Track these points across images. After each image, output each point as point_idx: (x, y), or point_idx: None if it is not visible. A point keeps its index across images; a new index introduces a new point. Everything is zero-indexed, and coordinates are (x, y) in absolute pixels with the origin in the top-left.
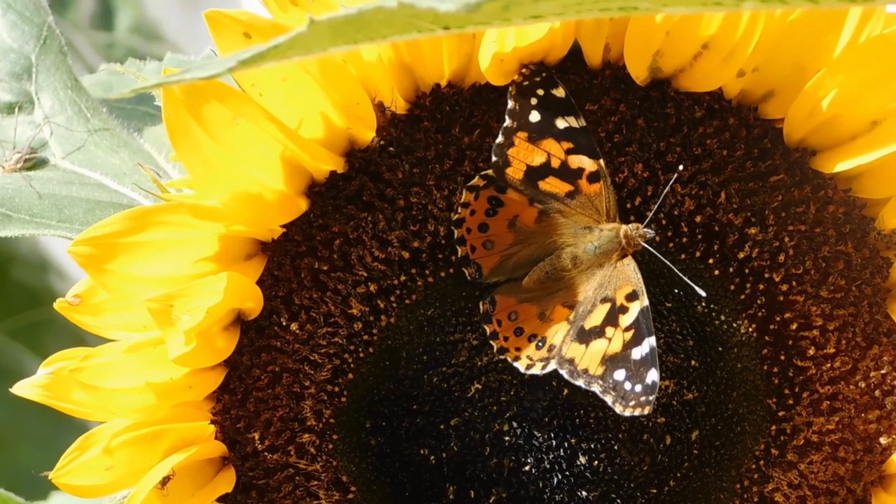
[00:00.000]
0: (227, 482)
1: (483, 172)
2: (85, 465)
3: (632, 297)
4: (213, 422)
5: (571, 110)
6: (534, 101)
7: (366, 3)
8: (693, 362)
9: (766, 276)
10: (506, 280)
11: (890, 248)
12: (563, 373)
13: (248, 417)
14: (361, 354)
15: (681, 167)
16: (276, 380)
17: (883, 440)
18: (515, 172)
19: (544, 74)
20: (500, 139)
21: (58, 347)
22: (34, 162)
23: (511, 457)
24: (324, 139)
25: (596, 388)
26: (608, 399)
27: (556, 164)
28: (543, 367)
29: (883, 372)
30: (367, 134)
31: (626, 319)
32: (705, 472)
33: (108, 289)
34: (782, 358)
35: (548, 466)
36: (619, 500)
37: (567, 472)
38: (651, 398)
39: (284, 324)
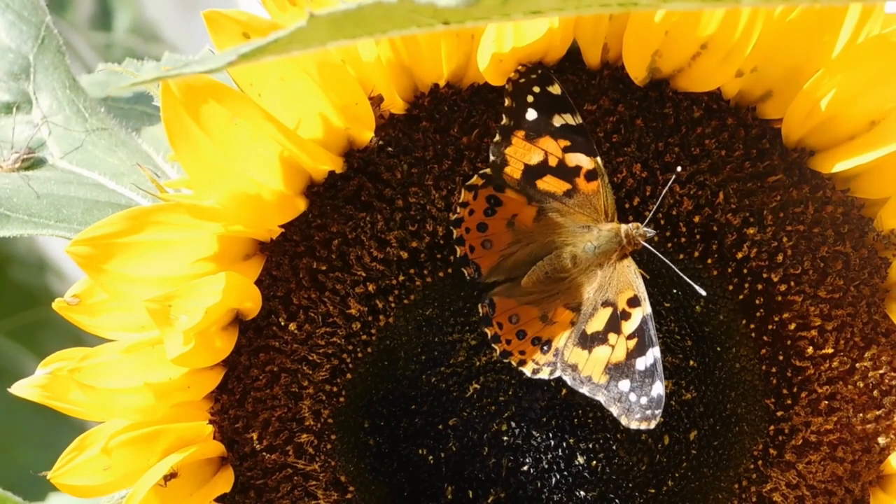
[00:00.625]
0: (225, 482)
1: (481, 171)
2: (83, 465)
3: (633, 302)
4: (211, 422)
5: (568, 107)
6: (530, 98)
7: None
8: (691, 362)
9: (765, 276)
10: (504, 280)
11: (888, 248)
12: (567, 379)
13: (247, 417)
14: (360, 354)
15: (679, 168)
16: (275, 380)
17: (881, 440)
18: (513, 171)
19: (540, 72)
20: (497, 138)
21: (56, 347)
22: (32, 162)
23: (509, 457)
24: (322, 139)
25: (601, 398)
26: (613, 410)
27: (553, 162)
28: (551, 373)
29: (881, 372)
30: (365, 134)
31: (628, 326)
32: (703, 472)
33: (106, 289)
34: (780, 358)
35: (546, 466)
36: (617, 500)
37: (565, 472)
38: (657, 412)
39: (283, 324)
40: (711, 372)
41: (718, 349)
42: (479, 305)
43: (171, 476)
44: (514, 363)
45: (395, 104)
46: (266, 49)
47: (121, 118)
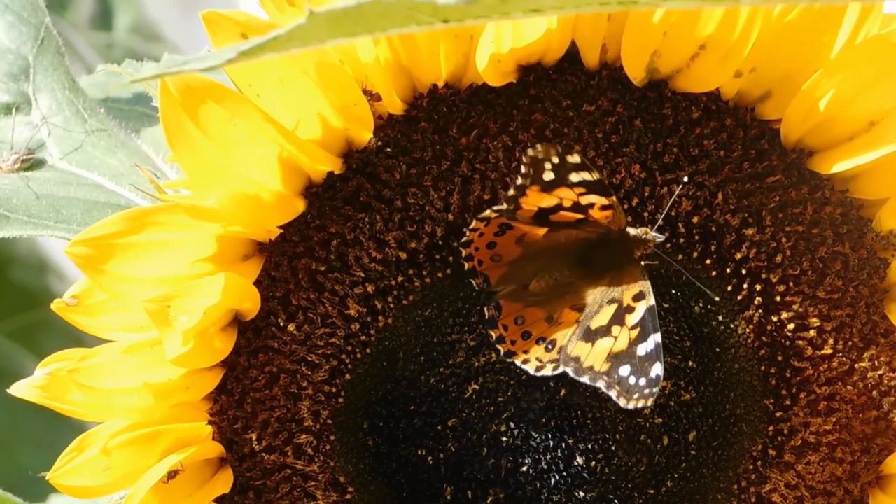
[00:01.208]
0: (224, 483)
1: (496, 208)
2: (82, 465)
3: (638, 297)
4: (210, 422)
5: (586, 168)
6: (548, 165)
7: None
8: (690, 363)
9: (764, 276)
10: (513, 286)
11: (887, 248)
12: (569, 370)
13: (246, 418)
14: (359, 355)
15: (686, 179)
16: (274, 380)
17: (880, 441)
18: (526, 214)
19: (560, 146)
20: (511, 192)
21: (56, 348)
22: (32, 162)
23: (508, 457)
24: (321, 140)
25: (601, 384)
26: (612, 393)
27: (568, 204)
28: (554, 369)
29: (880, 373)
30: (364, 135)
31: (632, 318)
32: (703, 473)
33: (105, 289)
34: (779, 359)
35: (545, 467)
36: (616, 501)
37: (564, 473)
38: (655, 390)
39: (282, 324)
40: (710, 372)
41: (717, 350)
42: (485, 308)
43: (173, 473)
44: (518, 362)
45: (394, 105)
46: (266, 46)
47: (120, 119)
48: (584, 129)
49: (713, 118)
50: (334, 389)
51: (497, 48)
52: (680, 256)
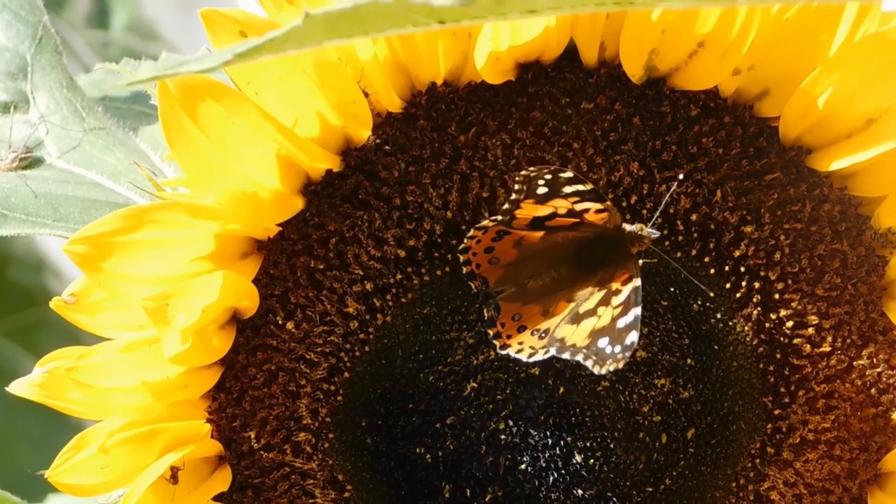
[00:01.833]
0: (223, 481)
1: (492, 218)
2: (80, 464)
3: (626, 281)
4: (208, 421)
5: (579, 181)
6: (541, 182)
7: None
8: (689, 360)
9: (762, 274)
10: (511, 286)
11: (885, 245)
12: (552, 350)
13: (244, 416)
14: (357, 353)
15: (681, 176)
16: (272, 378)
17: (879, 438)
18: (521, 222)
19: (553, 168)
20: (506, 206)
21: (54, 347)
22: (30, 161)
23: (507, 455)
24: (320, 138)
25: (579, 357)
26: (588, 363)
27: (563, 212)
28: (545, 353)
29: (879, 370)
30: (362, 132)
31: (618, 299)
32: (701, 471)
33: (103, 287)
34: (778, 356)
35: (544, 465)
36: (615, 499)
37: (563, 471)
38: (627, 354)
39: (280, 322)
40: (709, 370)
41: (716, 347)
42: (485, 309)
43: (176, 470)
44: (512, 353)
45: (392, 103)
46: (262, 48)
47: (118, 117)
48: (582, 126)
49: (712, 116)
50: (333, 387)
51: (495, 46)
52: (678, 254)
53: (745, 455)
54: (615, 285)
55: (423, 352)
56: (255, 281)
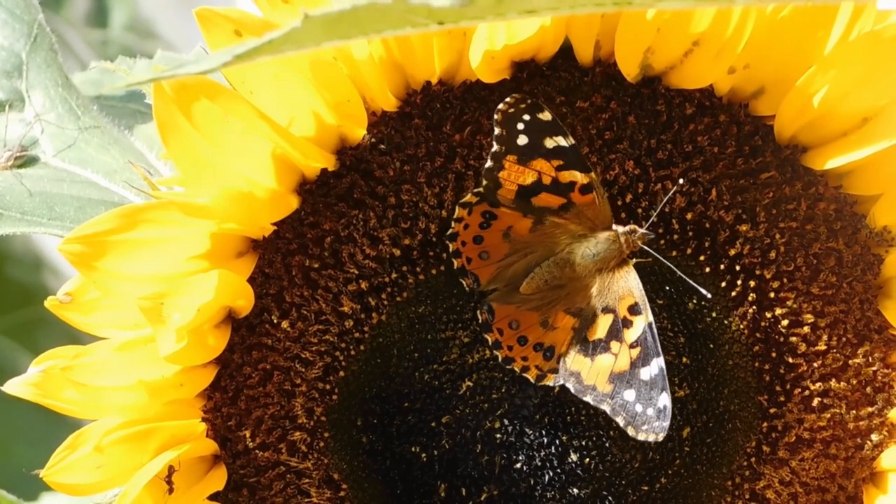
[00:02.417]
0: (218, 480)
1: (475, 190)
2: (76, 463)
3: (635, 310)
4: (204, 420)
5: (560, 130)
6: (520, 126)
7: None
8: (684, 359)
9: (758, 272)
10: (504, 286)
11: (881, 244)
12: (570, 386)
13: (240, 415)
14: (353, 352)
15: (681, 181)
16: (268, 378)
17: (874, 437)
18: (507, 193)
19: (529, 101)
20: (489, 164)
21: (51, 345)
22: (25, 160)
23: (502, 454)
24: (315, 137)
25: (606, 408)
26: (619, 421)
27: (547, 181)
28: (556, 380)
29: (874, 368)
30: (357, 131)
31: (631, 335)
32: (697, 470)
33: (98, 286)
34: (773, 355)
35: (539, 464)
36: (610, 498)
37: (558, 470)
38: (664, 424)
39: (275, 321)
40: (704, 369)
41: (711, 346)
42: (478, 312)
43: (172, 470)
44: (517, 369)
45: (388, 101)
46: (260, 49)
47: (113, 116)
48: (577, 125)
49: (707, 114)
50: (328, 386)
51: (491, 45)
52: (674, 253)
53: (740, 454)
54: (622, 311)
55: (418, 350)
56: (251, 280)
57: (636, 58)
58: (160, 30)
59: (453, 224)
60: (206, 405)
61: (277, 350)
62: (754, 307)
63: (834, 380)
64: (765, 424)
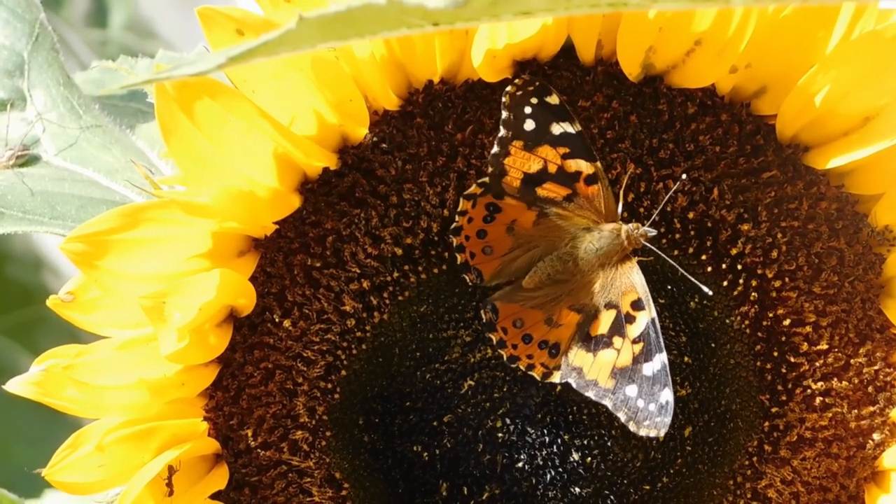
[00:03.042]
0: (220, 479)
1: (480, 181)
2: (77, 462)
3: (637, 305)
4: (205, 419)
5: (567, 116)
6: (528, 109)
7: (356, 0)
8: (686, 359)
9: (759, 272)
10: (506, 283)
11: (882, 244)
12: (572, 382)
13: (241, 414)
14: (354, 351)
15: (684, 176)
16: (269, 377)
17: (876, 436)
18: (512, 181)
19: (538, 84)
20: (495, 149)
21: (52, 345)
22: (26, 159)
23: (504, 453)
24: (316, 136)
25: (607, 403)
26: (621, 416)
27: (552, 169)
28: (562, 377)
29: (876, 368)
30: (359, 130)
31: (633, 330)
32: (698, 469)
33: (100, 285)
34: (775, 354)
35: (541, 463)
36: (612, 497)
37: (560, 469)
38: (666, 420)
39: (277, 320)
40: (706, 368)
41: (713, 345)
42: (482, 311)
43: (172, 471)
44: (522, 368)
45: (389, 100)
46: (256, 51)
47: (115, 115)
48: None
49: (709, 114)
50: (330, 385)
51: (492, 44)
52: (676, 252)
53: (742, 453)
54: (625, 306)
55: (420, 350)
56: (252, 279)
57: (638, 57)
58: (160, 29)
59: (457, 218)
60: (207, 404)
61: (279, 349)
62: (756, 306)
63: (836, 379)
64: (766, 423)
